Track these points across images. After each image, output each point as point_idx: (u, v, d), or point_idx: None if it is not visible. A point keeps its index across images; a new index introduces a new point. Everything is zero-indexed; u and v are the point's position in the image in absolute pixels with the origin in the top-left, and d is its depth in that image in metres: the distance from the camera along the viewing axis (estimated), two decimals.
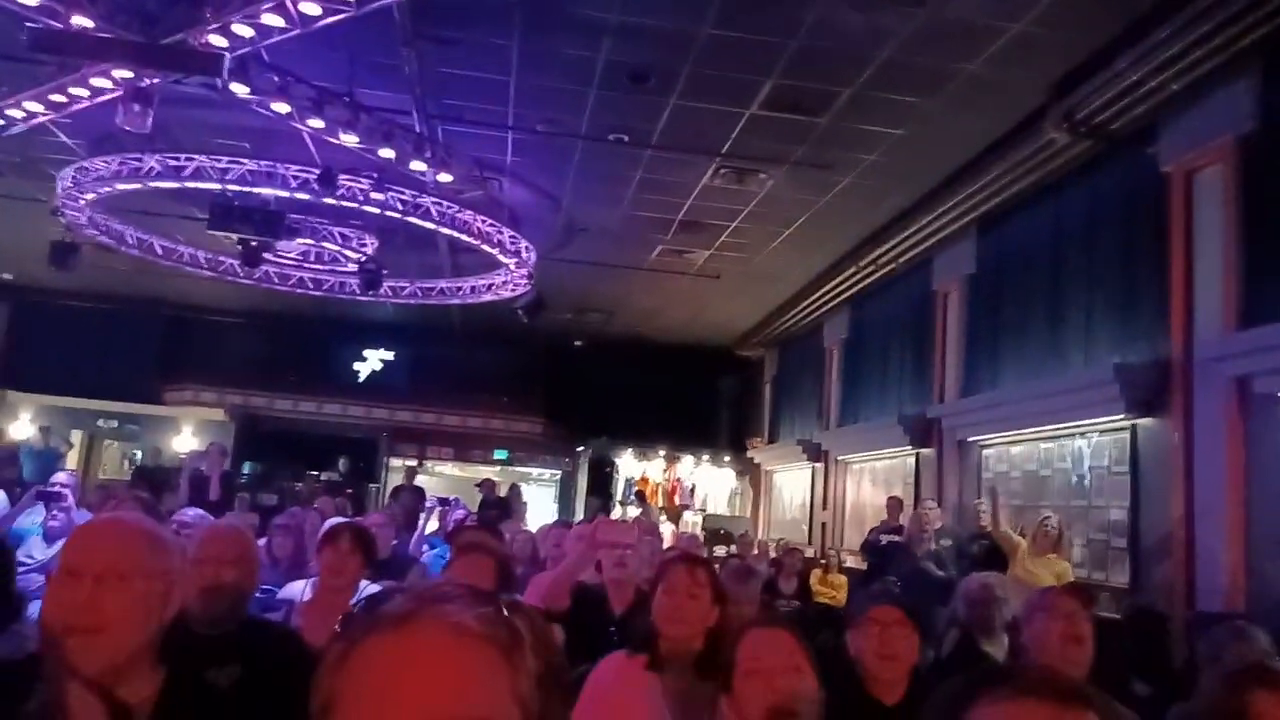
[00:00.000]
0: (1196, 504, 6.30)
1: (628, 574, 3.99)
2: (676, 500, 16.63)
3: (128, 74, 6.63)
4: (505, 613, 0.90)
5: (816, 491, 13.88)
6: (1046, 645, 2.99)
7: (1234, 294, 6.14)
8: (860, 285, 12.06)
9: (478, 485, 11.76)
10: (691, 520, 16.01)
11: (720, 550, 11.99)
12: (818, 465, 13.75)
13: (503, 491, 11.59)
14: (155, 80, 6.62)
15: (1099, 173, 7.66)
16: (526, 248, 10.61)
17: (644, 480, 16.74)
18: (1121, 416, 7.04)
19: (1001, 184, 8.33)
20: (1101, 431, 7.47)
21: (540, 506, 16.11)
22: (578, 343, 17.51)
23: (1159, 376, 6.68)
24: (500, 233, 10.17)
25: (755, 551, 10.54)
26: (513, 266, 11.04)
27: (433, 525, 7.02)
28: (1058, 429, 7.99)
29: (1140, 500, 6.93)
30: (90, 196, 9.75)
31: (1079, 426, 7.70)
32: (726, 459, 17.32)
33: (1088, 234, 7.84)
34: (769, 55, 6.99)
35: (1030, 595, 3.42)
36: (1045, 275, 8.40)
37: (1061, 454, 8.04)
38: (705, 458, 17.20)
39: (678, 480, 16.92)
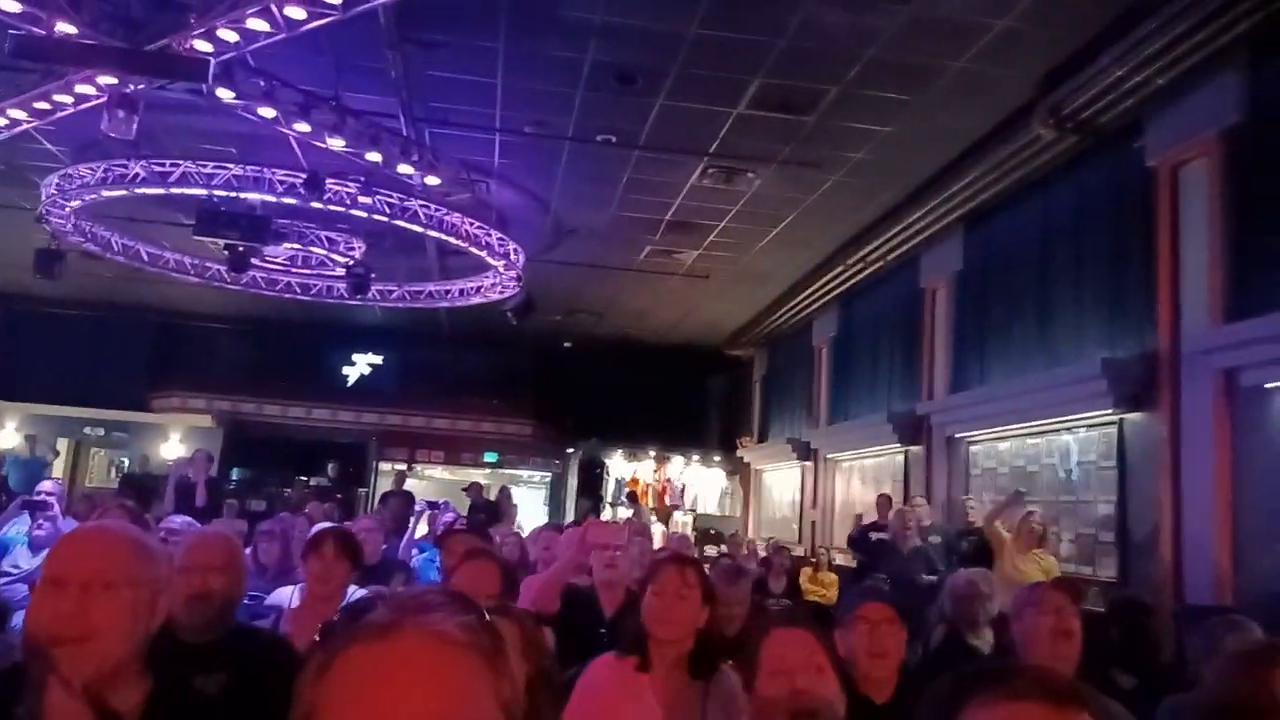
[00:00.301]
0: (1184, 497, 6.33)
1: (618, 575, 3.99)
2: (666, 501, 16.62)
3: (112, 80, 6.60)
4: (487, 620, 0.90)
5: (806, 490, 13.89)
6: (1036, 640, 3.00)
7: (1220, 287, 6.17)
8: (849, 284, 12.09)
9: (465, 489, 11.73)
10: (682, 520, 16.01)
11: (711, 550, 11.99)
12: (807, 464, 13.76)
13: (492, 494, 11.57)
14: (140, 86, 6.59)
15: (1085, 168, 7.69)
16: (515, 250, 10.60)
17: (634, 481, 16.74)
18: (1109, 411, 7.06)
19: (988, 180, 8.35)
20: (1089, 426, 7.50)
21: (531, 509, 16.09)
22: (567, 344, 17.50)
23: (1146, 371, 6.71)
24: (488, 235, 10.16)
25: (745, 551, 10.54)
26: (501, 269, 11.03)
27: (422, 529, 7.00)
28: (1046, 424, 8.01)
29: (1128, 495, 6.96)
30: (75, 203, 9.70)
31: (1067, 422, 7.73)
32: (716, 459, 17.33)
33: (1074, 229, 7.87)
34: (756, 55, 7.00)
35: (1020, 591, 3.42)
36: (1032, 271, 8.43)
37: (1049, 449, 8.06)
38: (695, 458, 17.21)
39: (668, 481, 16.92)
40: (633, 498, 15.97)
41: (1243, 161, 6.14)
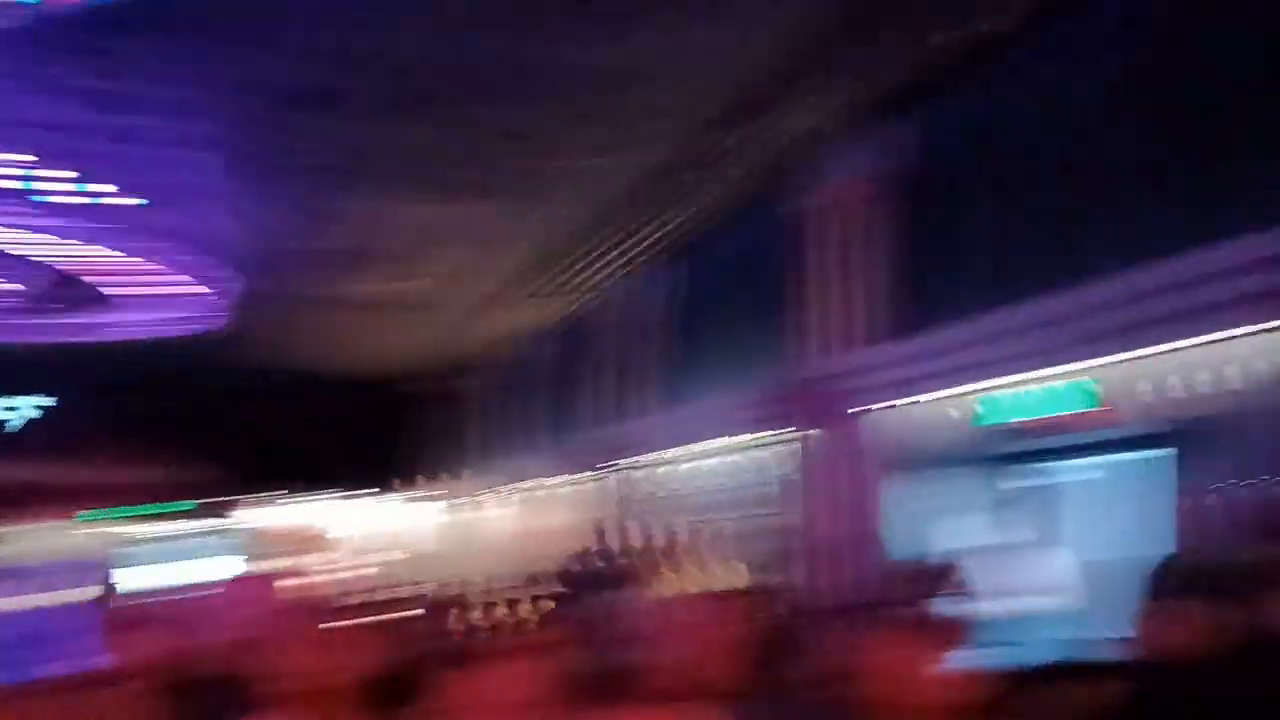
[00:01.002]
0: (824, 509, 7.22)
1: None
2: (321, 544, 16.09)
3: None
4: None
5: (514, 520, 14.13)
6: (687, 650, 3.26)
7: (853, 321, 7.16)
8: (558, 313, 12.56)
9: None
10: (380, 560, 15.41)
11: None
12: (507, 495, 14.03)
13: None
14: None
15: (741, 215, 8.58)
16: (211, 278, 9.81)
17: (293, 529, 16.05)
18: (762, 434, 7.96)
19: (666, 218, 9.11)
20: (745, 450, 8.38)
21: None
22: (258, 383, 16.30)
23: (790, 397, 7.53)
24: (171, 264, 9.40)
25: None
26: (187, 299, 10.21)
27: None
28: (705, 449, 8.88)
29: (781, 509, 7.85)
30: None
31: (727, 446, 8.60)
32: (423, 494, 16.98)
33: (734, 274, 8.81)
34: (463, 80, 6.97)
35: (666, 604, 3.72)
36: (700, 308, 9.42)
37: (712, 470, 8.93)
38: (399, 495, 16.79)
39: (326, 524, 16.39)
40: (299, 545, 15.20)
41: (882, 209, 7.05)
